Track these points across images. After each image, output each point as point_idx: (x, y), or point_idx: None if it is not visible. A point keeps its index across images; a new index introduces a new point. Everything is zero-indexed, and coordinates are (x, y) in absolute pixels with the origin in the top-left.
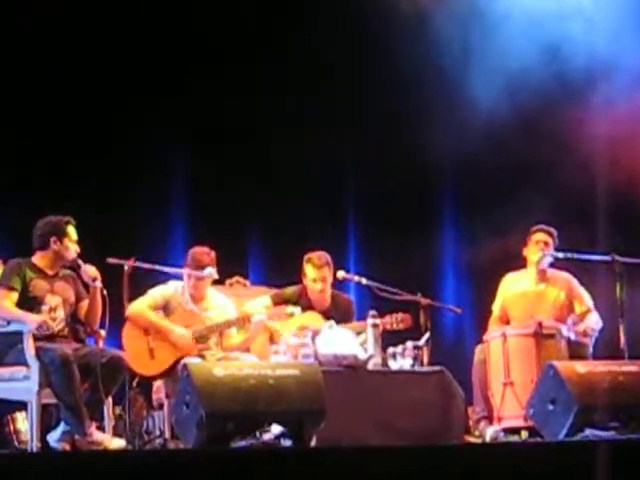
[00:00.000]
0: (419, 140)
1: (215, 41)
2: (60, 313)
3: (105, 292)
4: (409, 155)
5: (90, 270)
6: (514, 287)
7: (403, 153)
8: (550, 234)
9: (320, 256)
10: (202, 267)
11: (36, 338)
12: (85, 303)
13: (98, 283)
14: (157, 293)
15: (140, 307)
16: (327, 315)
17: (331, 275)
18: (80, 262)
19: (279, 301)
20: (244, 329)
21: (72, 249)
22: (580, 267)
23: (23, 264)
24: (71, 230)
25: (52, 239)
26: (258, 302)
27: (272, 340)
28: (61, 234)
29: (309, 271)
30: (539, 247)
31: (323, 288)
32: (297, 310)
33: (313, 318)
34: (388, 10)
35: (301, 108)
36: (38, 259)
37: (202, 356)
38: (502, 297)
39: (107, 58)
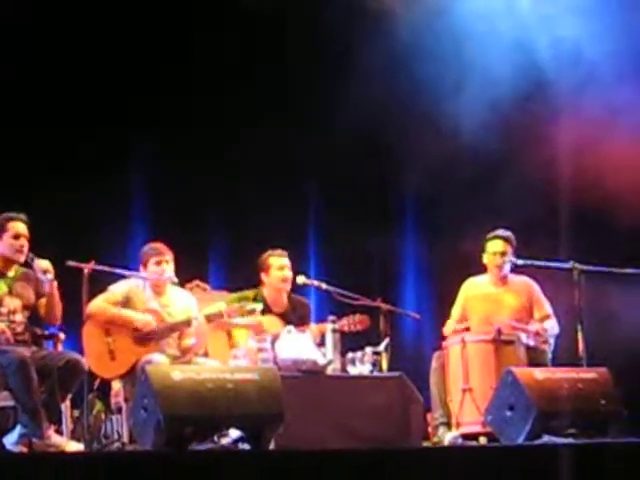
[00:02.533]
0: (381, 143)
1: (170, 42)
2: (19, 317)
3: (55, 284)
4: (371, 158)
5: (42, 264)
6: (475, 293)
7: (364, 156)
8: (507, 240)
9: (278, 250)
10: (161, 253)
11: None
12: (44, 300)
13: (50, 276)
14: (117, 289)
15: (100, 303)
16: (284, 317)
17: (290, 271)
18: (32, 256)
19: (241, 301)
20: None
21: (14, 244)
22: (541, 273)
23: None
24: (12, 226)
25: None
26: (214, 307)
27: (230, 340)
28: (1, 231)
29: (273, 261)
30: (497, 259)
31: (287, 277)
32: (258, 306)
33: (270, 321)
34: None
35: (261, 110)
36: None
37: (164, 352)
38: (462, 300)
39: (63, 60)
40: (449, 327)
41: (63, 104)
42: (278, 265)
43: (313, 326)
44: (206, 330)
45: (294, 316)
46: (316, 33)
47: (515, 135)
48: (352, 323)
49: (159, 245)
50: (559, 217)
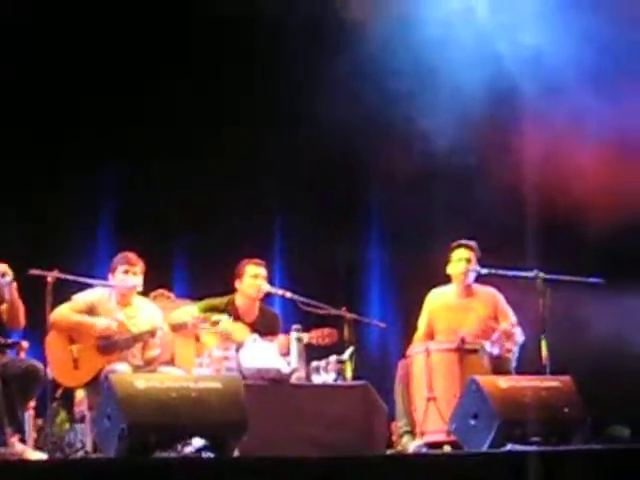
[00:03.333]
0: (348, 152)
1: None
2: None
3: (15, 285)
4: (337, 168)
5: None
6: (439, 304)
7: (330, 166)
8: (471, 249)
9: (256, 259)
10: (131, 264)
11: None
12: (5, 306)
13: (8, 278)
14: (81, 298)
15: (64, 310)
16: (254, 327)
17: (265, 282)
18: None
19: (206, 309)
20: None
21: None
22: (504, 282)
23: None
24: None
25: None
26: (185, 310)
27: (197, 347)
28: None
29: (250, 269)
30: (461, 265)
31: (260, 287)
32: (224, 317)
33: (239, 329)
34: None
35: (227, 120)
36: None
37: (127, 361)
38: (427, 312)
39: (36, 63)
40: (416, 338)
41: (35, 116)
42: (252, 274)
43: (281, 337)
44: (170, 340)
45: (263, 326)
46: (282, 43)
47: (482, 145)
48: (320, 337)
49: (130, 255)
50: (526, 226)
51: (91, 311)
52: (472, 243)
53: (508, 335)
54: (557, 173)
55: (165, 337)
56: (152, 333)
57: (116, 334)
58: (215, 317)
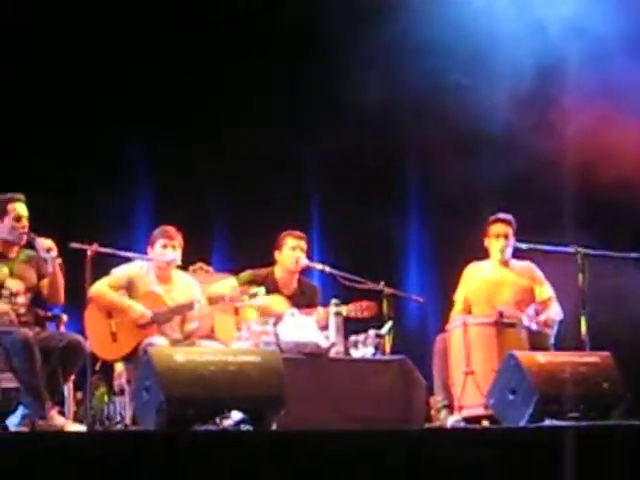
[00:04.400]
0: (388, 125)
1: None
2: (21, 299)
3: (59, 262)
4: (376, 140)
5: (45, 242)
6: (477, 277)
7: (369, 137)
8: (509, 223)
9: (296, 231)
10: (169, 237)
11: None
12: (47, 281)
13: (53, 253)
14: (120, 272)
15: (101, 287)
16: (293, 299)
17: (304, 255)
18: (33, 236)
19: (245, 282)
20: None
21: (16, 226)
22: (543, 257)
23: None
24: (12, 207)
25: None
26: (224, 283)
27: (237, 323)
28: (2, 214)
29: (289, 241)
30: (499, 240)
31: (299, 259)
32: (261, 290)
33: (278, 302)
34: None
35: (262, 91)
36: None
37: (165, 335)
38: (465, 287)
39: (67, 44)
40: (453, 313)
41: (71, 90)
42: (292, 245)
43: (320, 310)
44: (208, 313)
45: (302, 299)
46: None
47: (523, 118)
48: (359, 310)
49: (169, 229)
50: (566, 201)
51: (129, 285)
52: (510, 217)
53: (546, 323)
54: (599, 147)
55: (203, 310)
56: (190, 306)
57: (147, 323)
58: (253, 290)
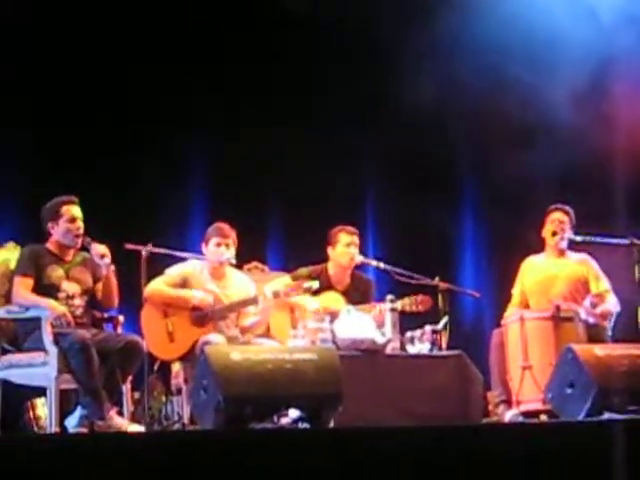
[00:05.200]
0: (444, 119)
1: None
2: (77, 301)
3: (113, 268)
4: (431, 135)
5: (99, 248)
6: (533, 273)
7: (424, 132)
8: (567, 213)
9: (350, 226)
10: (224, 236)
11: (54, 325)
12: (101, 284)
13: (107, 260)
14: (175, 271)
15: (157, 285)
16: (347, 295)
17: (357, 251)
18: (89, 240)
19: (299, 279)
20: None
21: (71, 228)
22: (599, 249)
23: (38, 250)
24: (67, 210)
25: (49, 225)
26: (278, 282)
27: (293, 318)
28: (56, 217)
29: (342, 237)
30: (555, 226)
31: (353, 256)
32: (315, 283)
33: (333, 298)
34: None
35: (320, 90)
36: (51, 245)
37: (222, 332)
38: (522, 281)
39: (120, 36)
40: (510, 312)
41: (128, 93)
42: (346, 242)
43: (378, 305)
44: (271, 307)
45: (356, 293)
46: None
47: (579, 110)
48: (414, 304)
49: (224, 226)
50: (622, 192)
51: (184, 284)
52: (568, 208)
53: (603, 315)
54: None
55: (266, 303)
56: (254, 300)
57: (210, 305)
58: (306, 284)
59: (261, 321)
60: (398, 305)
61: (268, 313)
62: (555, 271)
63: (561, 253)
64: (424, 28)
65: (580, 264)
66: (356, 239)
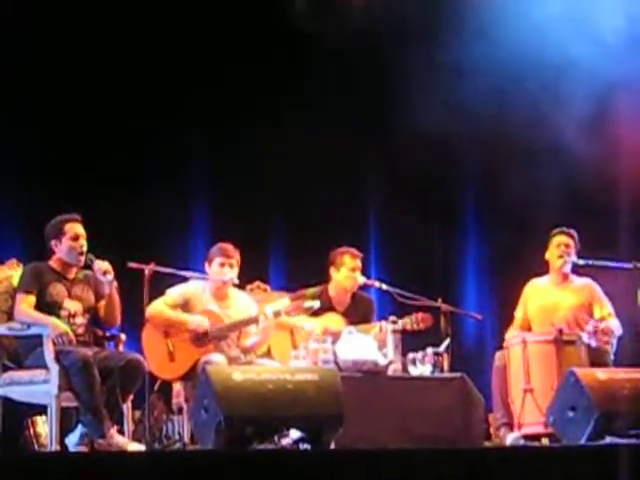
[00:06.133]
0: (445, 143)
1: (235, 40)
2: (79, 319)
3: (116, 285)
4: (433, 159)
5: (102, 265)
6: (536, 296)
7: (426, 155)
8: (571, 236)
9: (354, 249)
10: (227, 256)
11: (55, 343)
12: (104, 302)
13: (109, 277)
14: (176, 292)
15: (158, 306)
16: (347, 315)
17: (361, 275)
18: (91, 257)
19: (299, 299)
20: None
21: (74, 246)
22: (602, 272)
23: (41, 268)
24: (70, 227)
25: (52, 242)
26: (278, 304)
27: (293, 339)
28: (59, 235)
29: (347, 261)
30: (560, 250)
31: (356, 280)
32: (315, 303)
33: (334, 319)
34: None
35: (323, 109)
36: (54, 263)
37: (223, 352)
38: (524, 306)
39: (122, 57)
40: (512, 330)
41: (131, 110)
42: (351, 266)
43: (377, 327)
44: (272, 327)
45: (357, 313)
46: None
47: (586, 132)
48: (414, 322)
49: (227, 246)
50: (626, 216)
51: (185, 304)
52: (572, 231)
53: (604, 331)
54: None
55: (267, 323)
56: (254, 320)
57: (205, 330)
58: (307, 304)
59: (261, 341)
60: (399, 323)
61: (269, 333)
62: (559, 297)
63: (565, 277)
64: (430, 50)
65: (584, 288)
66: (359, 262)
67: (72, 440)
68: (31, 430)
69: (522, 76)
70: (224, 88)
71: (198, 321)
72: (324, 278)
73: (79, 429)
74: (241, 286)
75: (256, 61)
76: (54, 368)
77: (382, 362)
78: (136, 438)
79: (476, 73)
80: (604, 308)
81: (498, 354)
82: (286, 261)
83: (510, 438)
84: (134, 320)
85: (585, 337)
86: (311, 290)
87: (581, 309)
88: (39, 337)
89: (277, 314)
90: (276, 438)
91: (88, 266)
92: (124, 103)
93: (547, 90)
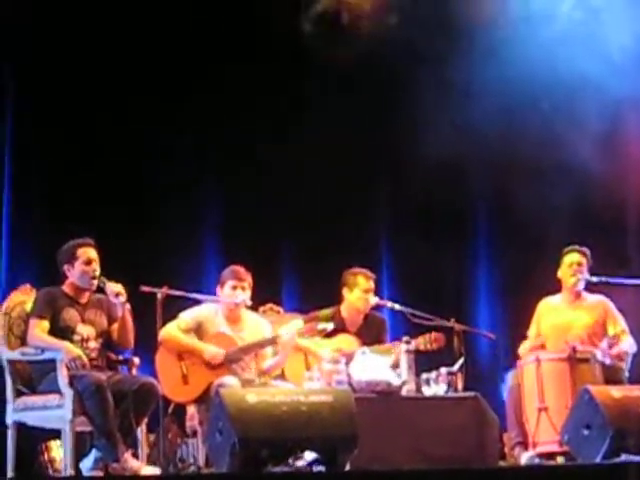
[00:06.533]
0: (455, 165)
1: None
2: (92, 344)
3: (128, 307)
4: (441, 176)
5: (114, 287)
6: (549, 315)
7: (437, 177)
8: (584, 254)
9: (367, 270)
10: (239, 279)
11: (69, 368)
12: (117, 325)
13: (122, 299)
14: (189, 315)
15: (171, 330)
16: (360, 335)
17: (374, 296)
18: (104, 281)
19: (313, 321)
20: (276, 351)
21: (87, 270)
22: (613, 289)
23: (54, 293)
24: (83, 252)
25: (65, 267)
26: (291, 325)
27: (307, 361)
28: (72, 259)
29: (361, 282)
30: (573, 269)
31: (370, 302)
32: (329, 325)
33: (347, 341)
34: None
35: (333, 130)
36: (67, 287)
37: (237, 375)
38: (538, 325)
39: (131, 75)
40: (524, 348)
41: (142, 135)
42: (365, 287)
43: (386, 346)
44: (291, 347)
45: (370, 333)
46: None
47: (596, 150)
48: (428, 342)
49: (239, 269)
50: (633, 233)
51: (199, 328)
52: (585, 249)
53: (618, 356)
54: None
55: (287, 344)
56: (274, 340)
57: (220, 362)
58: (321, 326)
59: (281, 362)
60: (412, 345)
61: (288, 352)
62: (572, 316)
63: (578, 295)
64: (440, 71)
65: (597, 306)
66: (373, 284)
67: (86, 465)
68: (45, 455)
69: (531, 95)
70: (236, 113)
71: (213, 352)
72: (336, 299)
73: (93, 453)
74: (254, 308)
75: (269, 84)
76: (68, 393)
77: (396, 382)
78: (151, 462)
79: (485, 93)
80: (618, 325)
81: (512, 373)
82: (298, 283)
83: (525, 457)
84: (147, 344)
85: (599, 355)
86: (324, 312)
87: (595, 327)
88: (53, 362)
89: (300, 333)
90: (291, 460)
91: (101, 290)
92: (136, 131)
93: (557, 109)
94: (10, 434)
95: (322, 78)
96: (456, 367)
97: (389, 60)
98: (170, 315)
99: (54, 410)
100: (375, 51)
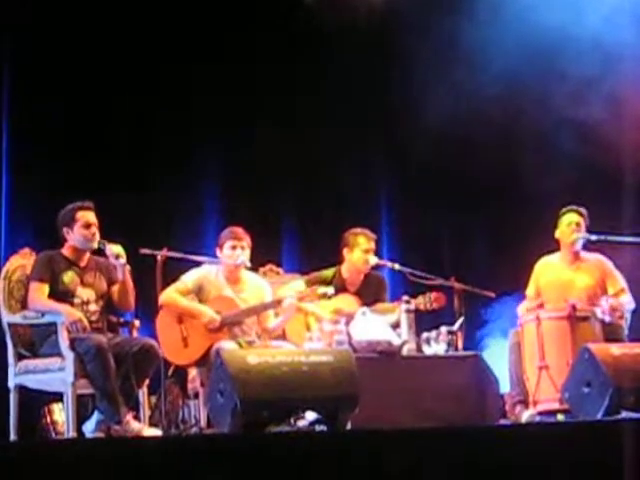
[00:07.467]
0: (446, 118)
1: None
2: (93, 306)
3: (129, 268)
4: (444, 142)
5: (114, 248)
6: (548, 274)
7: (438, 138)
8: (581, 214)
9: (368, 231)
10: (238, 238)
11: (69, 330)
12: (117, 287)
13: (122, 261)
14: (189, 278)
15: (171, 293)
16: (360, 295)
17: (374, 256)
18: (104, 243)
19: (313, 283)
20: (278, 312)
21: (86, 234)
22: (615, 247)
23: (53, 256)
24: (82, 215)
25: (64, 230)
26: (292, 286)
27: (307, 323)
28: (71, 223)
29: (362, 242)
30: (571, 228)
31: (370, 262)
32: (330, 290)
33: (347, 301)
34: None
35: (336, 95)
36: (66, 251)
37: (235, 339)
38: (536, 282)
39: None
40: (523, 307)
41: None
42: (365, 248)
43: (387, 305)
44: (295, 306)
45: (369, 293)
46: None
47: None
48: (428, 302)
49: (237, 229)
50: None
51: (200, 291)
52: (582, 209)
53: (614, 307)
54: None
55: (291, 306)
56: (278, 301)
57: (215, 326)
58: (321, 290)
59: (285, 321)
60: (413, 305)
61: (290, 315)
62: (572, 276)
63: (576, 255)
64: (444, 35)
65: (595, 265)
66: (373, 244)
67: (89, 427)
68: (48, 418)
69: (531, 55)
70: (239, 75)
71: (210, 317)
72: (336, 260)
73: (95, 416)
74: (254, 269)
75: (274, 51)
76: (69, 356)
77: (396, 342)
78: (152, 423)
79: (485, 57)
80: (617, 284)
81: (512, 332)
82: (298, 244)
83: (526, 415)
84: (147, 306)
85: (599, 312)
86: (325, 272)
87: (595, 288)
88: (53, 325)
89: (300, 297)
90: (292, 420)
91: (101, 252)
92: (136, 92)
93: (554, 66)
94: (12, 397)
95: (325, 42)
96: (456, 326)
97: (392, 21)
98: (170, 278)
99: (55, 373)
100: (375, 18)
